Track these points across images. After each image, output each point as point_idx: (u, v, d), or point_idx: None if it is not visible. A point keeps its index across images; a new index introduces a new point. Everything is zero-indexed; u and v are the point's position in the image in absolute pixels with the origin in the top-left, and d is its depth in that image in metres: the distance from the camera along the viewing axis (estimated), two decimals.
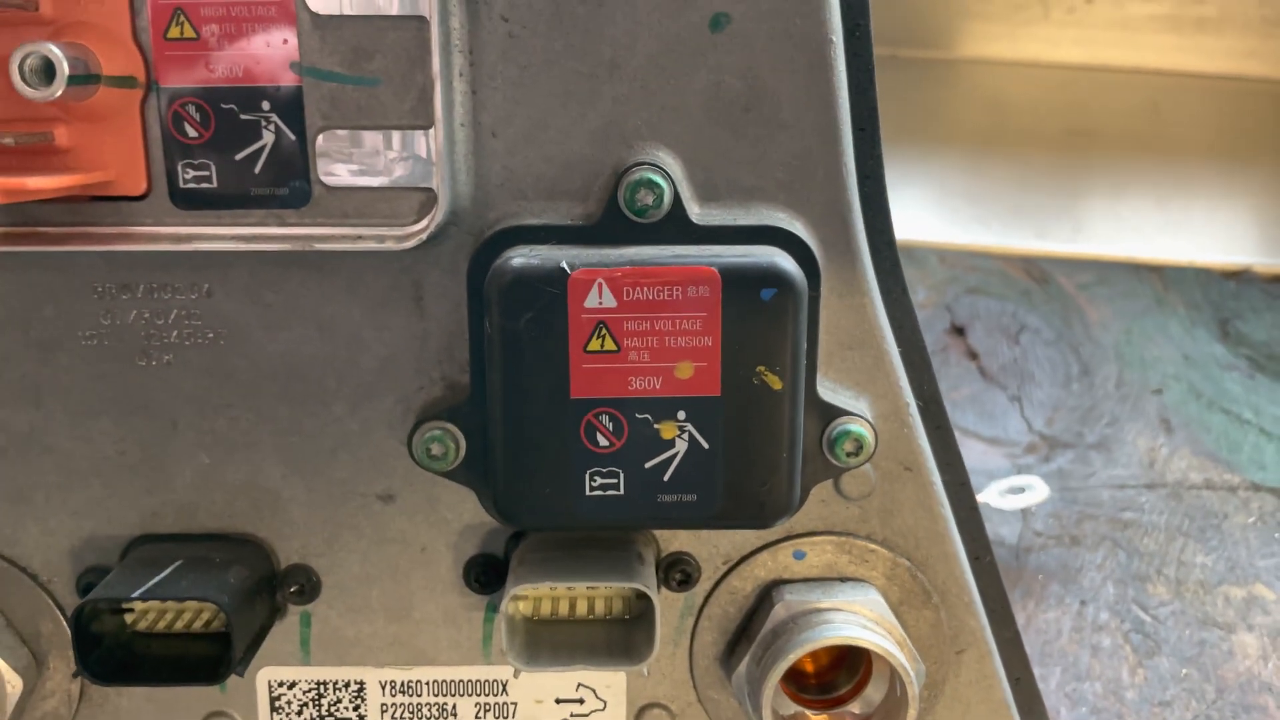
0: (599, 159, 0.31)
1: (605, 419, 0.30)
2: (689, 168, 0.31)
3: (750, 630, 0.34)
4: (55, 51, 0.27)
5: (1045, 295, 0.68)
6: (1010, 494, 0.51)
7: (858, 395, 0.32)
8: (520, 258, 0.29)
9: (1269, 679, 0.50)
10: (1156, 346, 0.64)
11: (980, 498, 0.51)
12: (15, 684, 0.33)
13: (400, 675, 0.35)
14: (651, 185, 0.30)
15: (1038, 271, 0.69)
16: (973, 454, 0.58)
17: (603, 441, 0.30)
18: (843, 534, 0.34)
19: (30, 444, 0.33)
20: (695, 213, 0.30)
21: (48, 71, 0.28)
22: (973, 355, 0.64)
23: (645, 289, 0.29)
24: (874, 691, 0.34)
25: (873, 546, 0.34)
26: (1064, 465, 0.58)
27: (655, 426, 0.30)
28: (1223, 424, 0.61)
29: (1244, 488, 0.57)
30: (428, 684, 0.35)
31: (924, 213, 0.75)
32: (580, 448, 0.30)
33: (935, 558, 0.35)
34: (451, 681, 0.36)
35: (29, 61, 0.28)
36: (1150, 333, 0.65)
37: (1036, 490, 0.51)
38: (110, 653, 0.32)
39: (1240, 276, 0.71)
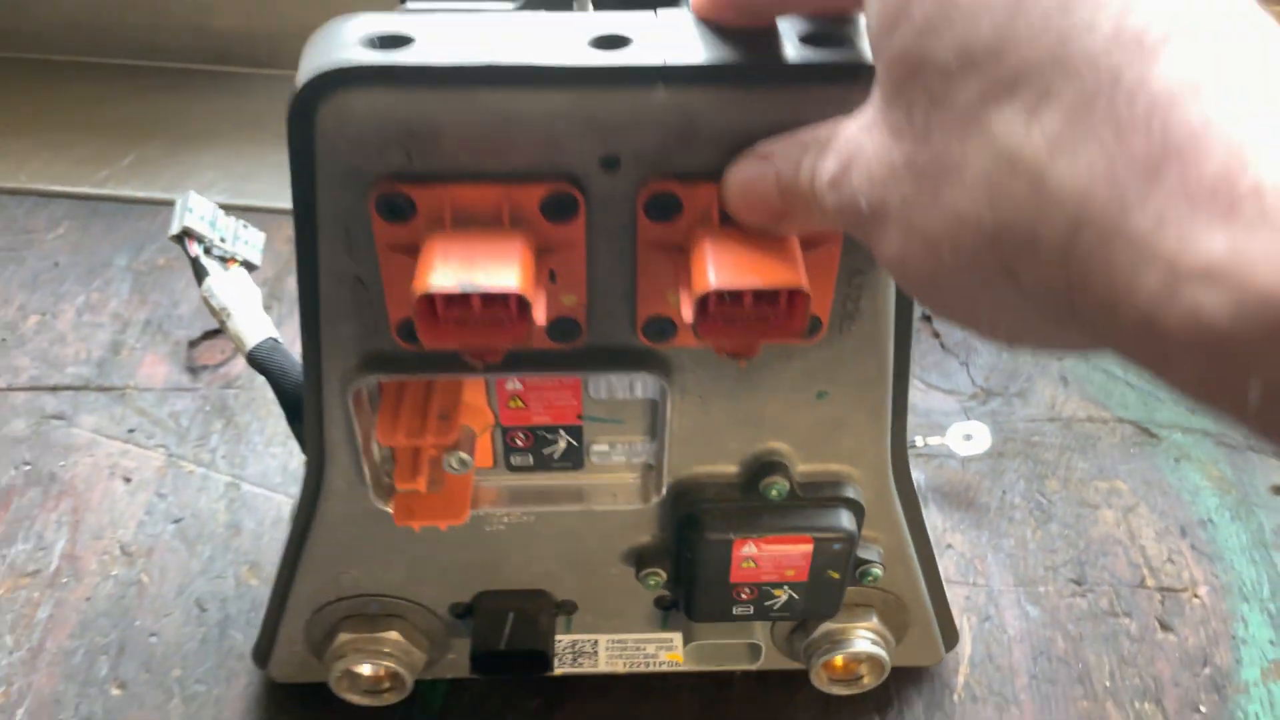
0: (749, 454, 0.55)
1: (747, 588, 0.57)
2: (799, 451, 0.55)
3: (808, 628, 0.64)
4: (465, 457, 0.51)
5: None
6: (965, 440, 0.78)
7: (878, 546, 0.59)
8: (708, 527, 0.55)
9: (1120, 537, 0.81)
10: None
11: (943, 439, 0.79)
12: (423, 658, 0.64)
13: (617, 637, 0.66)
14: (778, 486, 0.54)
15: None
16: (934, 400, 0.85)
17: (745, 596, 0.58)
18: (859, 587, 0.63)
19: (419, 561, 0.60)
20: (799, 488, 0.55)
21: (464, 462, 0.51)
22: (936, 334, 0.88)
23: (773, 545, 0.55)
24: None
25: (876, 590, 0.63)
26: (995, 408, 0.85)
27: (773, 592, 0.57)
28: (1102, 379, 0.87)
29: (1112, 420, 0.85)
30: (631, 639, 0.66)
31: None
32: (733, 598, 0.58)
33: (909, 594, 0.63)
34: (642, 639, 0.66)
35: (454, 460, 0.51)
36: None
37: (983, 439, 0.78)
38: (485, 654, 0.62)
39: None
